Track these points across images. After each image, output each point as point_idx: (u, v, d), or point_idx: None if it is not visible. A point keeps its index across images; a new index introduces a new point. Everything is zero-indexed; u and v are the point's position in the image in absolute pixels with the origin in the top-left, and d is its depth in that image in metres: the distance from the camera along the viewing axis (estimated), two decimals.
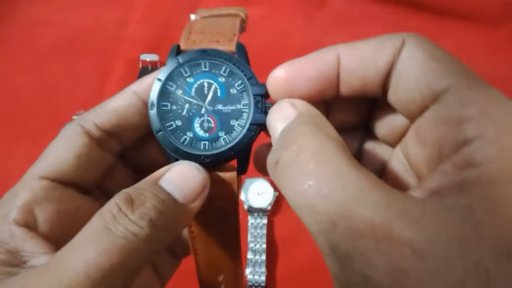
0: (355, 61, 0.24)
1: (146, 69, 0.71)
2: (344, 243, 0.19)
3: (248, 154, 0.28)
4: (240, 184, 0.29)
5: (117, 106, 0.29)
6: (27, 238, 0.25)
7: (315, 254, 0.59)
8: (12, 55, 0.74)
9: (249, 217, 0.59)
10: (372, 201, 0.18)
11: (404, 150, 0.26)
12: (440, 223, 0.17)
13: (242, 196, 0.60)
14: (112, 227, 0.22)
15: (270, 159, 0.23)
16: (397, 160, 0.27)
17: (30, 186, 0.27)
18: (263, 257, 0.57)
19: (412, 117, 0.24)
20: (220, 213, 0.29)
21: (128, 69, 0.72)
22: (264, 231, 0.58)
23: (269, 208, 0.59)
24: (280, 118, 0.24)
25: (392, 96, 0.24)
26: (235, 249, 0.31)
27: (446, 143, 0.20)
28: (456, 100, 0.20)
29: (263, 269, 0.56)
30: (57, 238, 0.26)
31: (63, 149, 0.28)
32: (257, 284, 0.56)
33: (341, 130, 0.24)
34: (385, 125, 0.28)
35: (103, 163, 0.30)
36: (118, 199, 0.23)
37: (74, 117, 0.65)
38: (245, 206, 0.59)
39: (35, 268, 0.24)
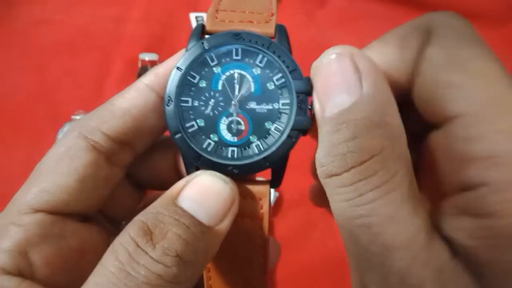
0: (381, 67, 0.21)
1: (146, 69, 0.71)
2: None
3: (285, 164, 0.23)
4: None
5: (129, 106, 0.23)
6: None
7: (315, 254, 0.59)
8: (11, 55, 0.73)
9: None
10: (410, 255, 0.18)
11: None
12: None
13: None
14: (131, 270, 0.17)
15: (323, 162, 0.19)
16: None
17: (21, 222, 0.21)
18: None
19: (430, 121, 0.22)
20: (245, 237, 0.23)
21: (127, 68, 0.72)
22: None
23: None
24: (336, 90, 0.19)
25: (415, 96, 0.21)
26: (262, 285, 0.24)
27: (451, 181, 0.19)
28: (463, 133, 0.18)
29: None
30: (60, 283, 0.21)
31: (63, 171, 0.22)
32: None
33: None
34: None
35: (112, 182, 0.24)
36: (132, 231, 0.18)
37: (73, 116, 0.65)
38: None
39: None
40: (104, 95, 0.69)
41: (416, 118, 0.23)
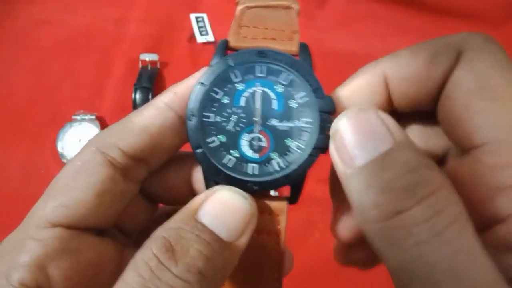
0: (405, 84, 0.21)
1: (146, 69, 0.71)
2: None
3: (303, 181, 0.23)
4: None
5: (147, 124, 0.23)
6: None
7: (315, 255, 0.59)
8: (12, 55, 0.74)
9: None
10: None
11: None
12: None
13: None
14: (154, 286, 0.17)
15: (379, 201, 0.17)
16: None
17: (39, 236, 0.21)
18: None
19: (455, 143, 0.21)
20: (261, 252, 0.23)
21: (128, 68, 0.72)
22: None
23: None
24: (367, 139, 0.18)
25: (441, 119, 0.21)
26: None
27: (480, 213, 0.18)
28: (489, 160, 0.17)
29: None
30: None
31: (81, 186, 0.22)
32: None
33: None
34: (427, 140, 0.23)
35: (127, 196, 0.24)
36: (155, 247, 0.18)
37: (73, 116, 0.65)
38: None
39: None
40: (105, 95, 0.69)
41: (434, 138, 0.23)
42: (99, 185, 0.22)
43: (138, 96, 0.66)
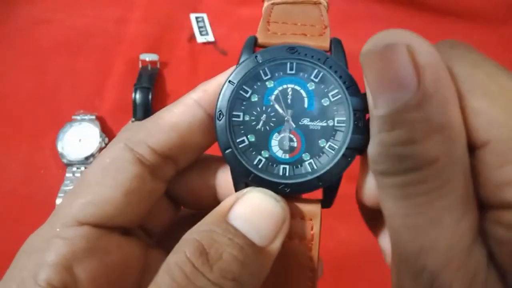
0: None
1: (146, 69, 0.71)
2: None
3: (338, 184, 0.22)
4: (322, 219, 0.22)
5: (177, 121, 0.22)
6: None
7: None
8: (12, 55, 0.74)
9: None
10: (446, 257, 0.17)
11: None
12: None
13: None
14: None
15: (375, 159, 0.17)
16: None
17: (66, 234, 0.20)
18: None
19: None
20: (293, 259, 0.22)
21: (128, 68, 0.72)
22: None
23: None
24: (389, 85, 0.16)
25: None
26: None
27: (485, 197, 0.18)
28: (493, 160, 0.17)
29: None
30: None
31: (109, 184, 0.21)
32: None
33: None
34: None
35: (155, 195, 0.23)
36: (188, 250, 0.18)
37: (73, 116, 0.65)
38: None
39: None
40: (105, 95, 0.69)
41: None
42: (128, 183, 0.21)
43: (138, 96, 0.65)
